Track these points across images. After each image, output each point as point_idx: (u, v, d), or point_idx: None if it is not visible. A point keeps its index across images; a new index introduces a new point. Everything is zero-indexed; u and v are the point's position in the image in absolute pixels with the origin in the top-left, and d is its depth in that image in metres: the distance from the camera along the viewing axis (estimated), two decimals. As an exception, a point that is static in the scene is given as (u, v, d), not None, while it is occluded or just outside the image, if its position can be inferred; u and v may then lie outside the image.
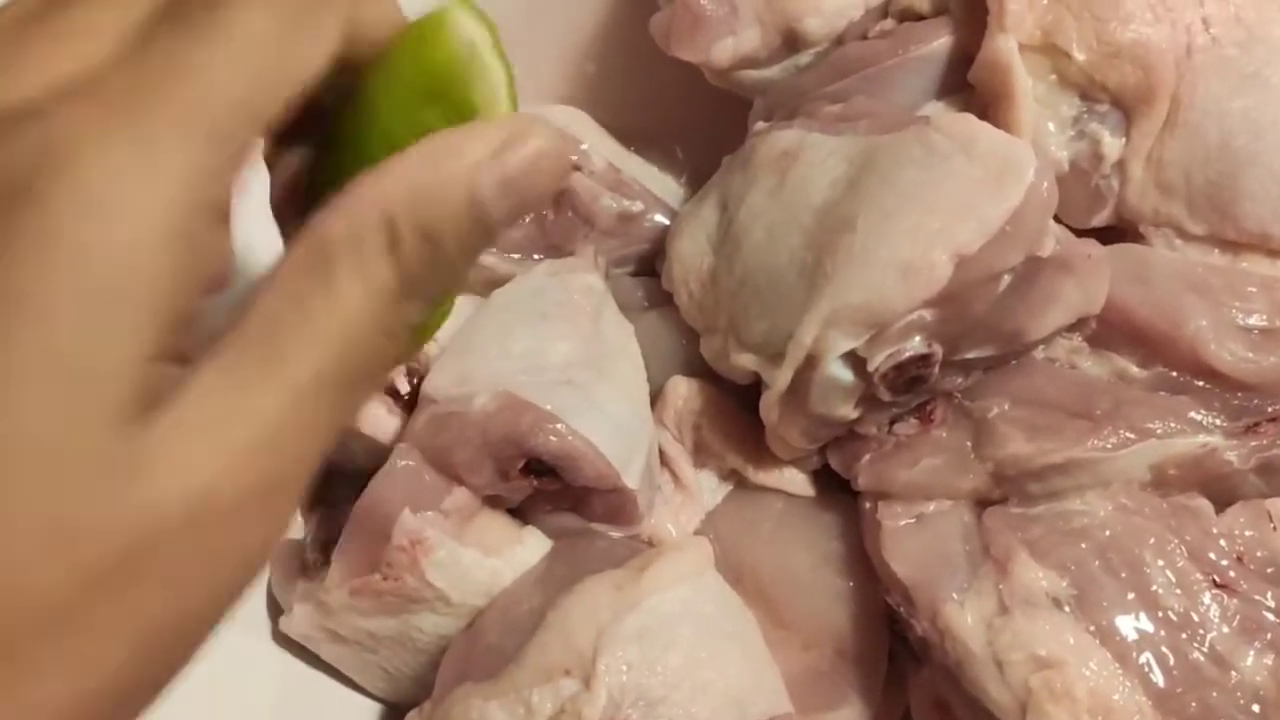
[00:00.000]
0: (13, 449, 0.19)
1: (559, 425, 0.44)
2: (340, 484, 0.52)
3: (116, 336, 0.20)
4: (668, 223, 0.54)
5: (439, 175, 0.23)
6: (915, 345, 0.43)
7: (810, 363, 0.44)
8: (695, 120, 0.57)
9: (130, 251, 0.20)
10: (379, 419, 0.47)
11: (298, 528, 0.53)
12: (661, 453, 0.50)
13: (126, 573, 0.20)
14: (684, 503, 0.50)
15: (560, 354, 0.47)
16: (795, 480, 0.50)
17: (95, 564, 0.20)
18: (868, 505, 0.47)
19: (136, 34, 0.22)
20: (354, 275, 0.22)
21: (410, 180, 0.23)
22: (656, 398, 0.51)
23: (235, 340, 0.22)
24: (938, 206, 0.41)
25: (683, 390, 0.50)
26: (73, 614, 0.20)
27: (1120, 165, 0.47)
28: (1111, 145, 0.46)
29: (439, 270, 0.23)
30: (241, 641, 0.48)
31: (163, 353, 0.21)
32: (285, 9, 0.23)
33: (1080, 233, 0.46)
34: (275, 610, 0.49)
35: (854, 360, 0.43)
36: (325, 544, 0.48)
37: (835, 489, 0.50)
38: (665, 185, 0.56)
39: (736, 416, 0.50)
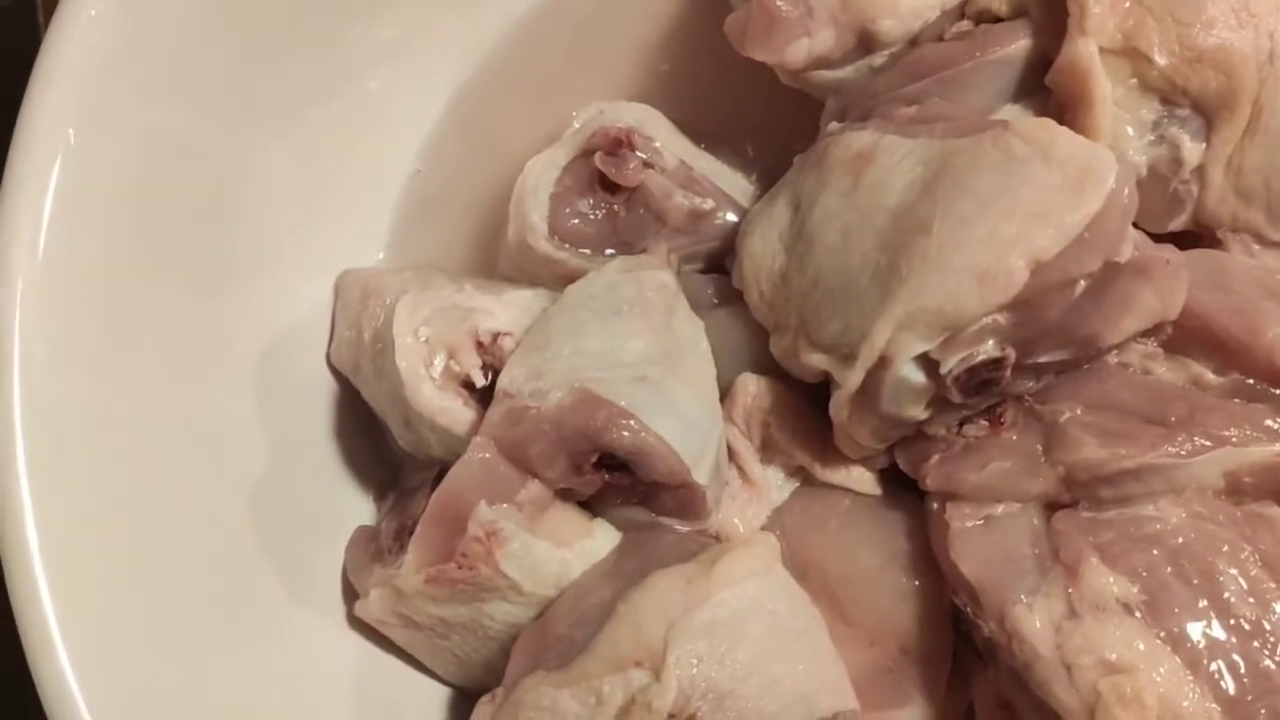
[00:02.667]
0: None
1: (633, 421, 0.44)
2: (413, 471, 0.54)
3: None
4: (738, 220, 0.54)
5: None
6: (988, 349, 0.43)
7: (882, 364, 0.44)
8: (767, 119, 0.57)
9: None
10: (455, 411, 0.48)
11: (371, 515, 0.54)
12: (730, 449, 0.50)
13: None
14: (751, 498, 0.50)
15: (634, 350, 0.47)
16: (862, 478, 0.50)
17: None
18: (935, 506, 0.47)
19: None
20: None
21: None
22: (725, 394, 0.51)
23: None
24: (1015, 212, 0.41)
25: (752, 387, 0.51)
26: None
27: (1199, 171, 0.46)
28: (1191, 150, 0.46)
29: None
30: (317, 625, 0.50)
31: None
32: None
33: (1157, 238, 0.46)
34: (350, 595, 0.50)
35: (926, 362, 0.44)
36: (400, 530, 0.50)
37: (902, 488, 0.50)
38: (736, 183, 0.57)
39: (804, 414, 0.51)
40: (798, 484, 0.51)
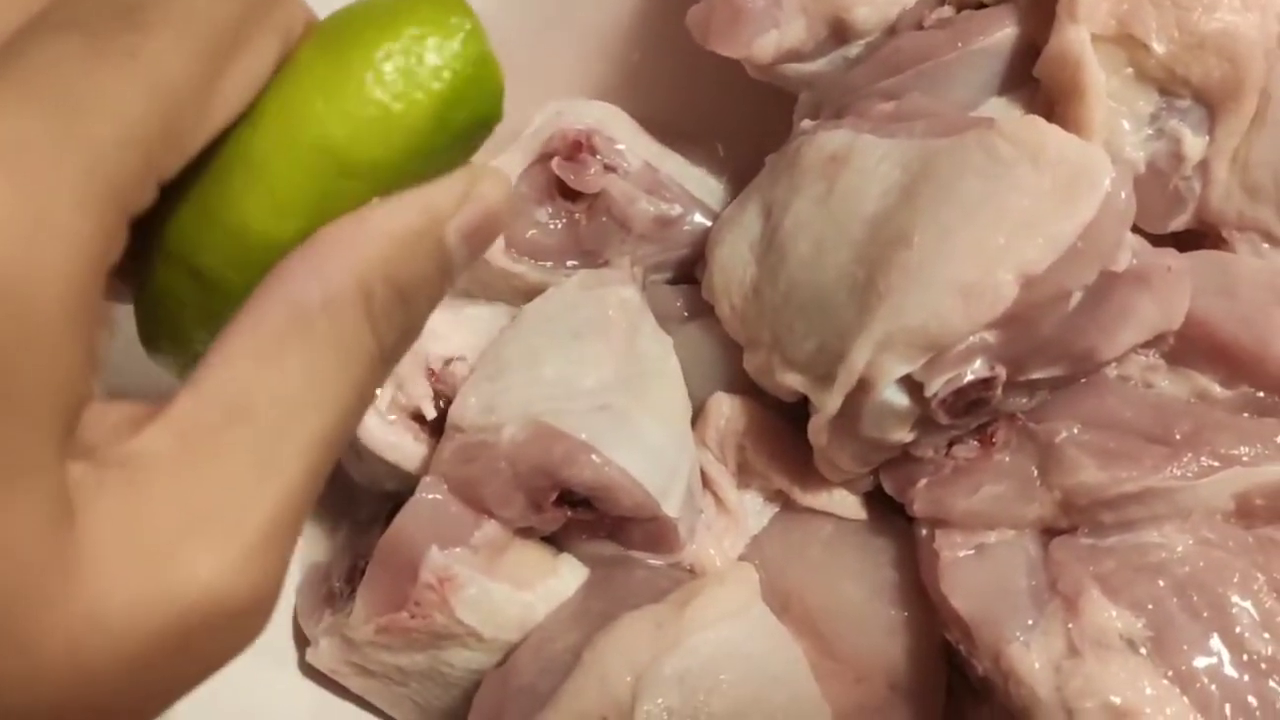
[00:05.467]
0: None
1: (593, 455, 0.41)
2: (367, 503, 0.51)
3: (29, 437, 0.18)
4: (709, 226, 0.51)
5: (411, 232, 0.22)
6: (976, 369, 0.40)
7: (862, 386, 0.41)
8: (738, 116, 0.53)
9: (32, 340, 0.18)
10: (405, 446, 0.45)
11: (323, 549, 0.51)
12: (703, 474, 0.47)
13: (114, 687, 0.19)
14: (728, 527, 0.47)
15: (594, 377, 0.44)
16: (846, 502, 0.47)
17: (57, 670, 0.18)
18: (924, 533, 0.44)
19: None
20: (335, 348, 0.21)
21: (383, 239, 0.22)
22: (697, 415, 0.48)
23: (201, 415, 0.20)
24: (1002, 222, 0.37)
25: (725, 408, 0.47)
26: None
27: (1202, 166, 0.43)
28: (1193, 144, 0.42)
29: (411, 329, 0.23)
30: (268, 673, 0.47)
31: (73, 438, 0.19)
32: (204, 38, 0.20)
33: (1157, 238, 0.43)
34: (301, 640, 0.47)
35: (909, 384, 0.40)
36: (351, 571, 0.47)
37: (889, 511, 0.47)
38: (706, 185, 0.53)
39: (782, 435, 0.47)
40: (777, 509, 0.48)
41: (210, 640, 0.20)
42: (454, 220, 0.23)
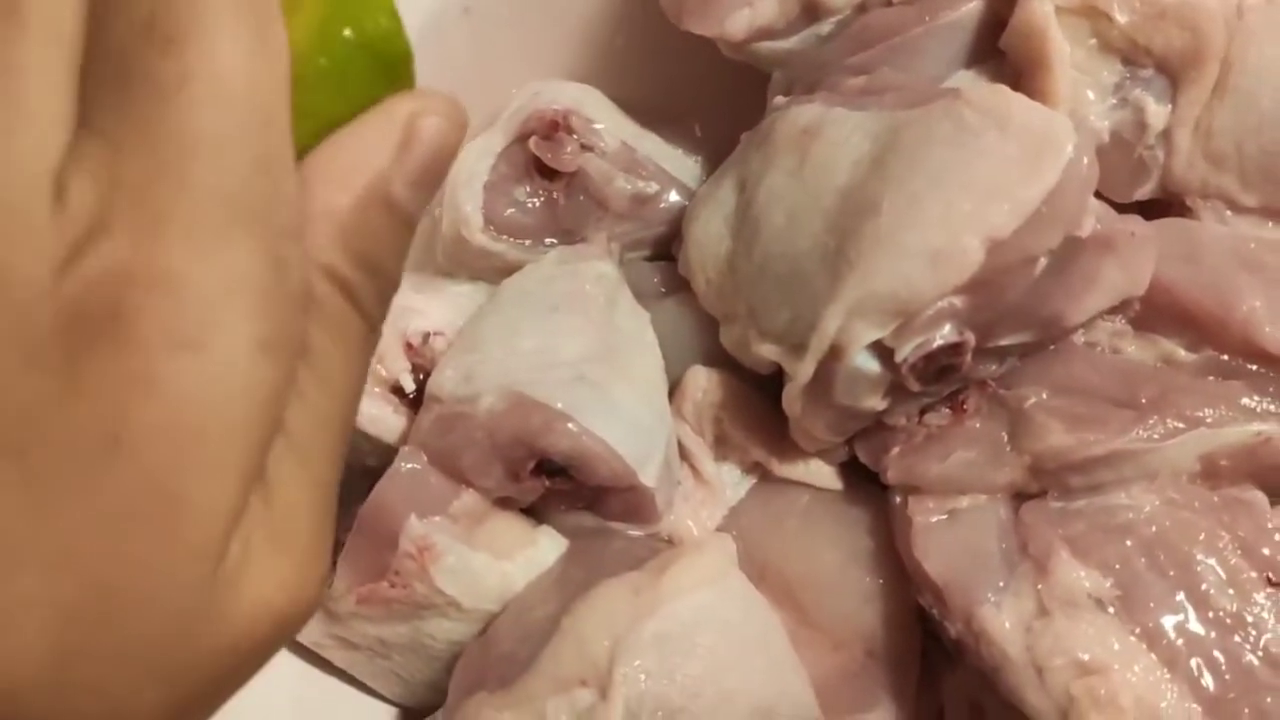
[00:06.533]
0: (121, 590, 0.18)
1: (570, 424, 0.42)
2: (349, 479, 0.51)
3: (215, 473, 0.19)
4: (686, 203, 0.52)
5: (355, 200, 0.21)
6: (945, 334, 0.40)
7: (834, 353, 0.41)
8: (714, 95, 0.54)
9: (225, 385, 0.18)
10: (384, 419, 0.45)
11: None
12: (681, 446, 0.48)
13: (212, 697, 0.21)
14: (705, 498, 0.48)
15: (572, 348, 0.44)
16: (821, 473, 0.47)
17: (189, 693, 0.20)
18: (898, 500, 0.45)
19: (79, 96, 0.18)
20: (332, 340, 0.21)
21: (329, 219, 0.21)
22: (675, 389, 0.49)
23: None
24: (968, 188, 0.38)
25: (702, 381, 0.48)
26: None
27: (1166, 134, 0.44)
28: (1156, 113, 0.43)
29: (389, 288, 0.22)
30: (252, 648, 0.47)
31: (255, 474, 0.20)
32: (250, 20, 0.19)
33: (1122, 207, 0.43)
34: (285, 615, 0.48)
35: (880, 350, 0.41)
36: (335, 547, 0.47)
37: (864, 481, 0.47)
38: (682, 164, 0.54)
39: (759, 407, 0.48)
40: (754, 481, 0.49)
41: (269, 651, 0.21)
42: (397, 176, 0.21)
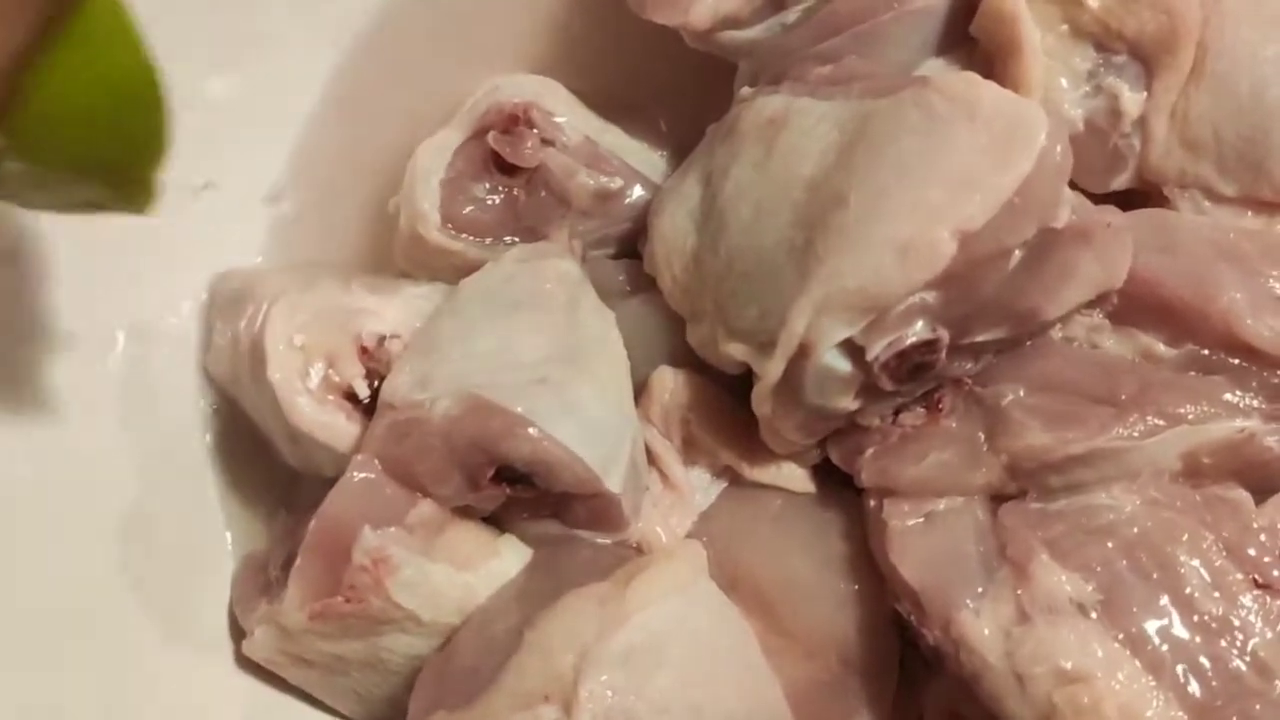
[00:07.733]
0: None
1: (530, 429, 0.40)
2: (305, 490, 0.49)
3: None
4: (651, 199, 0.50)
5: None
6: (918, 331, 0.39)
7: (803, 352, 0.40)
8: (679, 87, 0.52)
9: None
10: (337, 426, 0.44)
11: (260, 538, 0.50)
12: (648, 450, 0.46)
13: None
14: (674, 504, 0.46)
15: (532, 350, 0.43)
16: (794, 476, 0.46)
17: None
18: (872, 503, 0.44)
19: None
20: None
21: None
22: (641, 390, 0.47)
23: None
24: (938, 178, 0.37)
25: (669, 382, 0.46)
26: None
27: (1141, 122, 0.43)
28: (1131, 100, 0.42)
29: None
30: (202, 667, 0.45)
31: None
32: None
33: (1098, 198, 0.42)
34: (238, 633, 0.46)
35: (851, 348, 0.40)
36: (289, 559, 0.45)
37: (838, 484, 0.46)
38: (647, 158, 0.52)
39: (728, 409, 0.47)
40: (725, 485, 0.47)
41: None
42: None
